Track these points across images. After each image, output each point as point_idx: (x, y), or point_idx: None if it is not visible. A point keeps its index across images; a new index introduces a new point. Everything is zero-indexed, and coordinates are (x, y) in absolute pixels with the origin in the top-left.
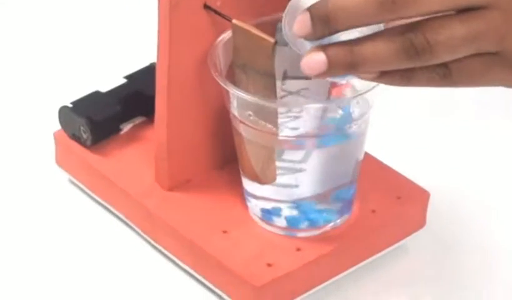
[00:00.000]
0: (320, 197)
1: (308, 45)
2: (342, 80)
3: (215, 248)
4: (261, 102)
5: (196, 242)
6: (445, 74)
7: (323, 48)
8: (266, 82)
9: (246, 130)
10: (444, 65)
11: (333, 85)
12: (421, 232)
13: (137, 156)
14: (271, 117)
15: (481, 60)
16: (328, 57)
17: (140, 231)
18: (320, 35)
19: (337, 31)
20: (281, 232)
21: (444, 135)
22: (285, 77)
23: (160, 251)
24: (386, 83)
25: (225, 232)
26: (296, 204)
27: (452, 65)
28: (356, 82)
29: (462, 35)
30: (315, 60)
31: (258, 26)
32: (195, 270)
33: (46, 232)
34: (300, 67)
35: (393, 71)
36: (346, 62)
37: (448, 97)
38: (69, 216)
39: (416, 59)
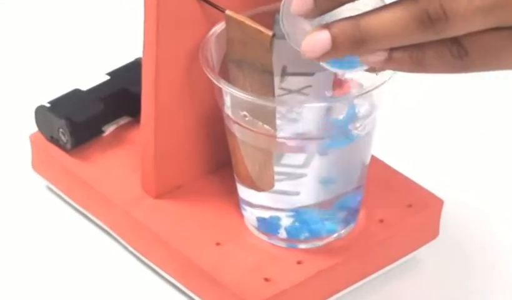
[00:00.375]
0: (322, 205)
1: (307, 30)
2: (347, 72)
3: (208, 261)
4: (258, 101)
5: (186, 255)
6: (460, 53)
7: (326, 26)
8: (263, 79)
9: (241, 131)
10: (460, 44)
11: (337, 82)
12: (433, 243)
13: (121, 161)
14: (269, 117)
15: (501, 36)
16: (332, 34)
17: (125, 243)
18: (323, 10)
19: (342, 3)
20: (280, 244)
21: (459, 139)
22: (284, 73)
23: (147, 265)
24: (395, 68)
25: (218, 244)
26: (297, 212)
27: (469, 43)
28: (362, 80)
29: (480, 3)
30: (317, 38)
31: (254, 17)
32: (186, 286)
33: (21, 243)
34: (301, 51)
35: (402, 51)
36: (353, 38)
37: (463, 97)
38: (47, 226)
39: (430, 29)
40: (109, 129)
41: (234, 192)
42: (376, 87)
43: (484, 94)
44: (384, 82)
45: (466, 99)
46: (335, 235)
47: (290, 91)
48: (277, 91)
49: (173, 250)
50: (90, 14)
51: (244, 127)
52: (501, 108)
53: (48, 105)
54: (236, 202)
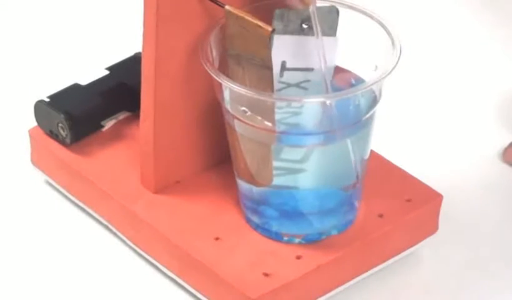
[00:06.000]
0: (321, 200)
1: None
2: None
3: (207, 256)
4: (256, 95)
5: (186, 249)
6: None
7: None
8: (262, 74)
9: (241, 126)
10: None
11: (337, 76)
12: (433, 238)
13: (120, 155)
14: (268, 112)
15: None
16: None
17: (124, 237)
18: None
19: None
20: (279, 239)
21: (458, 133)
22: (284, 68)
23: (146, 259)
24: None
25: (217, 239)
26: (296, 207)
27: None
28: (362, 74)
29: None
30: None
31: (253, 13)
32: (185, 281)
33: (21, 237)
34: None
35: None
36: None
37: (461, 91)
38: (46, 220)
39: None
40: (108, 124)
41: (233, 187)
42: (377, 82)
43: (482, 88)
44: (385, 76)
45: (465, 93)
46: (334, 230)
47: (289, 85)
48: (276, 85)
49: (172, 245)
50: (90, 8)
51: (243, 122)
52: (499, 101)
53: (47, 100)
54: (236, 197)
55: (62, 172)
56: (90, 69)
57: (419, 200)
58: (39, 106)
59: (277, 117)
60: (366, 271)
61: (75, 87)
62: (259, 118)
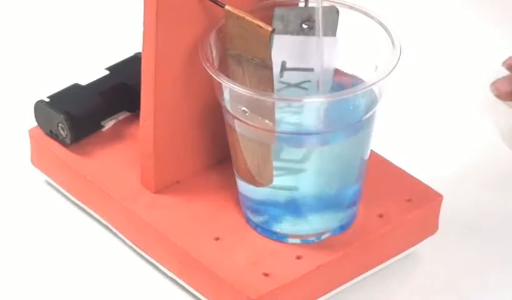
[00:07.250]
0: (322, 200)
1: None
2: None
3: (207, 256)
4: (256, 95)
5: (186, 249)
6: None
7: None
8: (262, 74)
9: (241, 126)
10: None
11: (337, 76)
12: (433, 238)
13: (120, 155)
14: (268, 112)
15: None
16: None
17: (124, 238)
18: None
19: None
20: (279, 239)
21: (458, 133)
22: (284, 68)
23: (146, 259)
24: None
25: (217, 239)
26: (296, 207)
27: None
28: (362, 74)
29: None
30: None
31: (253, 13)
32: (185, 281)
33: (21, 238)
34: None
35: None
36: None
37: (461, 91)
38: (46, 221)
39: None
40: (108, 124)
41: (233, 187)
42: (377, 82)
43: (482, 88)
44: (385, 76)
45: (465, 94)
46: (335, 230)
47: (289, 85)
48: (276, 85)
49: (172, 245)
50: (90, 8)
51: (243, 122)
52: (501, 101)
53: (47, 100)
54: (236, 197)
55: (62, 172)
56: (90, 69)
57: (419, 200)
58: (39, 106)
59: (277, 117)
60: (366, 271)
61: (75, 87)
62: (259, 118)
